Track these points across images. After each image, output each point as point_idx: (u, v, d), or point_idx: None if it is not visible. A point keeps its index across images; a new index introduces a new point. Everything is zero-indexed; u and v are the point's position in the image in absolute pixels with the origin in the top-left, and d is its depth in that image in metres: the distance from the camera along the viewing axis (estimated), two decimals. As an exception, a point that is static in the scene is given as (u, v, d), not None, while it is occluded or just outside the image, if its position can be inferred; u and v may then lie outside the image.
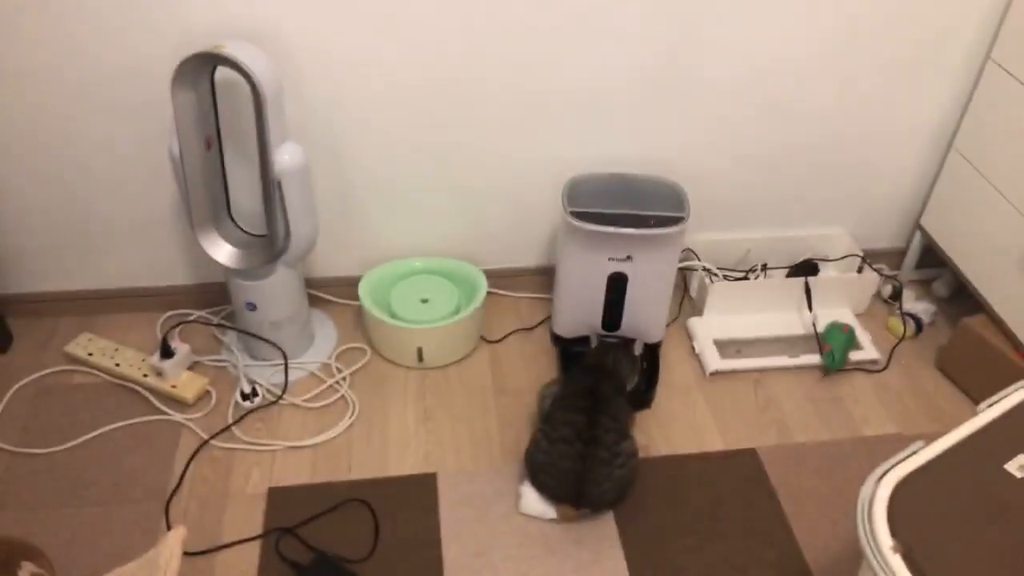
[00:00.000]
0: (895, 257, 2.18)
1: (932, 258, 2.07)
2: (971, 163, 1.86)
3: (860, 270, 2.04)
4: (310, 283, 1.98)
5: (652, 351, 1.89)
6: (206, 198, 1.65)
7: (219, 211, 1.71)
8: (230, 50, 1.44)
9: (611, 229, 1.66)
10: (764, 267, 2.07)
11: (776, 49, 1.75)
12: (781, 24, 1.71)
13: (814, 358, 1.91)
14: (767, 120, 1.86)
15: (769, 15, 1.69)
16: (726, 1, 1.66)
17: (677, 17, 1.67)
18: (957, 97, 1.89)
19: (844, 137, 1.92)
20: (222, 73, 1.59)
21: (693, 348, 1.96)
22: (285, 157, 1.55)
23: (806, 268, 2.06)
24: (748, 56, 1.75)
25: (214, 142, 1.62)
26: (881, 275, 2.06)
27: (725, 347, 1.93)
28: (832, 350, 1.87)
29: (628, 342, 1.70)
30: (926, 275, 2.17)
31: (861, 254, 2.04)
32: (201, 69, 1.51)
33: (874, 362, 1.93)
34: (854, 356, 1.91)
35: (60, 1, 1.52)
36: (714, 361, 1.89)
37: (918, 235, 2.08)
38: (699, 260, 2.03)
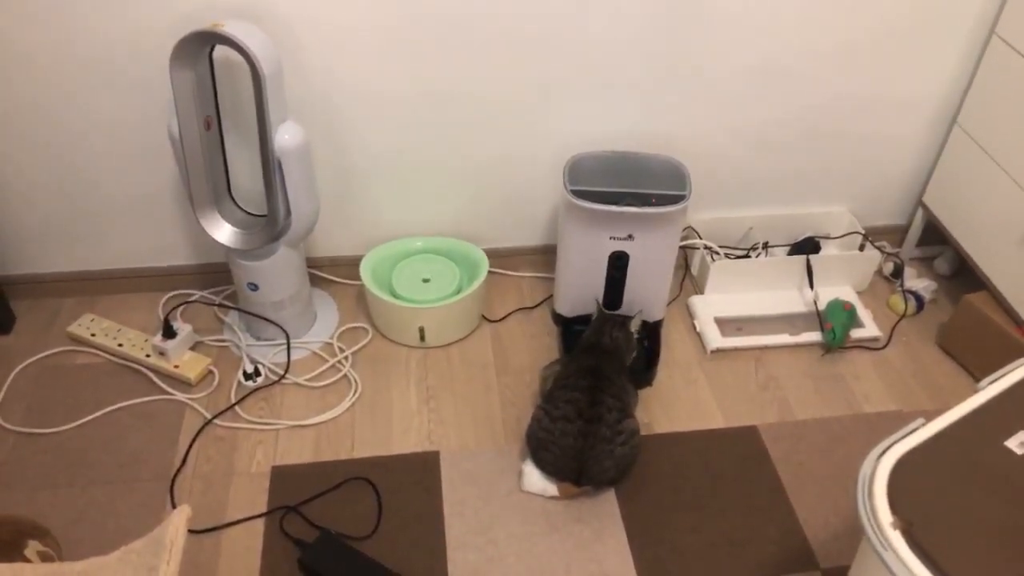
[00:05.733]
0: (897, 234, 2.18)
1: (934, 235, 2.07)
2: (974, 139, 1.86)
3: (862, 248, 2.04)
4: (311, 263, 1.98)
5: (653, 329, 1.89)
6: (206, 178, 1.64)
7: (220, 191, 1.70)
8: (228, 28, 1.43)
9: (612, 208, 1.65)
10: (765, 245, 2.07)
11: (777, 23, 1.74)
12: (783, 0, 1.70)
13: (815, 336, 1.91)
14: (768, 96, 1.85)
15: (772, -9, 1.68)
16: (728, -24, 1.65)
17: (679, -7, 1.66)
18: (961, 72, 1.88)
19: (846, 113, 1.91)
20: (221, 52, 1.58)
21: (694, 326, 1.96)
22: (285, 136, 1.54)
23: (807, 246, 2.05)
24: (750, 33, 1.74)
25: (214, 122, 1.61)
26: (883, 253, 2.06)
27: (726, 325, 1.94)
28: (833, 328, 1.87)
29: (626, 318, 1.70)
30: (928, 252, 2.17)
31: (863, 232, 2.04)
32: (199, 48, 1.50)
33: (875, 339, 1.93)
34: (855, 333, 1.91)
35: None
36: (715, 339, 1.89)
37: (920, 212, 2.07)
38: (700, 238, 2.02)
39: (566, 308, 1.88)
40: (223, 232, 1.69)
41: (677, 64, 1.77)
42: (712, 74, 1.80)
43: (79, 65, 1.62)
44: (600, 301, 1.78)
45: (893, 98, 1.90)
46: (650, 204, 1.66)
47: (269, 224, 1.66)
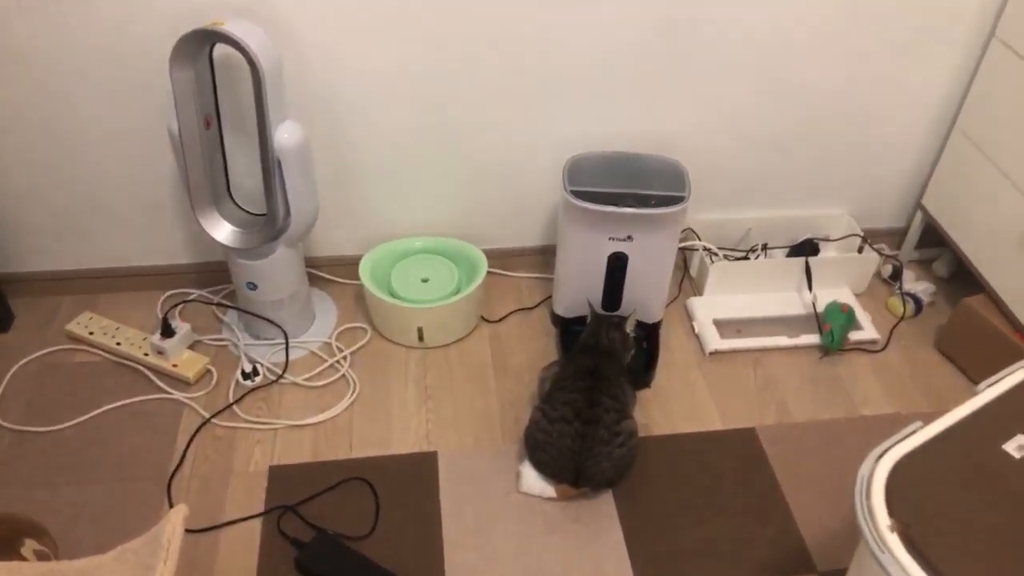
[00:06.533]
0: (896, 237, 2.18)
1: (933, 238, 2.07)
2: (974, 142, 1.86)
3: (860, 250, 2.04)
4: (310, 262, 1.98)
5: (652, 331, 1.89)
6: (206, 177, 1.64)
7: (219, 190, 1.70)
8: (228, 27, 1.43)
9: (611, 209, 1.65)
10: (764, 247, 2.07)
11: (777, 26, 1.74)
12: (782, 1, 1.70)
13: (813, 338, 1.91)
14: (768, 98, 1.85)
15: (772, -7, 1.68)
16: (729, -22, 1.65)
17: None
18: (961, 75, 1.88)
19: (845, 115, 1.91)
20: (221, 50, 1.57)
21: (693, 328, 1.96)
22: (285, 135, 1.54)
23: (807, 248, 2.05)
24: (748, 33, 1.74)
25: (213, 121, 1.61)
26: (881, 255, 2.06)
27: (725, 327, 1.94)
28: (832, 330, 1.87)
29: (621, 319, 1.70)
30: (926, 255, 2.17)
31: (861, 234, 2.04)
32: (199, 47, 1.50)
33: (873, 342, 1.93)
34: (853, 336, 1.91)
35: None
36: (713, 341, 1.89)
37: (919, 215, 2.07)
38: (699, 240, 2.02)
39: (565, 309, 1.88)
40: (222, 231, 1.69)
41: (677, 65, 1.77)
42: (711, 76, 1.80)
43: (81, 62, 1.62)
44: (592, 303, 1.78)
45: (893, 100, 1.90)
46: (650, 205, 1.66)
47: (268, 223, 1.65)
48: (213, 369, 1.80)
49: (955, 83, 1.89)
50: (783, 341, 1.91)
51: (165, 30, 1.58)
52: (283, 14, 1.60)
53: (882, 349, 1.93)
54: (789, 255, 2.07)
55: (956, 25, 1.79)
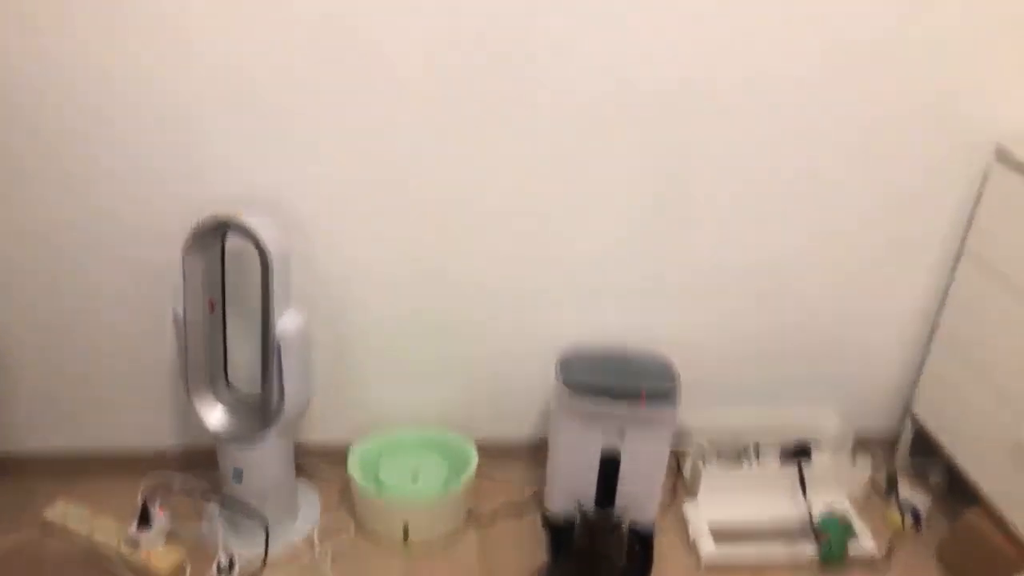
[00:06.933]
0: (889, 443, 2.16)
1: (927, 444, 2.05)
2: (955, 352, 1.90)
3: (853, 456, 2.02)
4: (299, 449, 1.95)
5: (646, 540, 1.83)
6: (205, 361, 1.67)
7: (216, 373, 1.72)
8: (244, 218, 1.52)
9: (605, 407, 1.67)
10: (757, 448, 2.05)
11: (762, 230, 1.84)
12: (768, 210, 1.81)
13: (812, 547, 1.85)
14: (754, 302, 1.93)
15: (755, 201, 1.80)
16: (712, 185, 1.77)
17: (664, 198, 1.77)
18: (937, 285, 1.96)
19: (829, 321, 1.97)
20: (232, 237, 1.65)
21: (688, 535, 1.90)
22: (288, 322, 1.59)
23: (799, 450, 2.03)
24: (735, 241, 1.84)
25: (218, 304, 1.66)
26: (873, 465, 2.03)
27: (721, 534, 1.87)
28: (829, 539, 1.81)
29: (614, 524, 1.65)
30: (922, 462, 2.13)
31: (852, 441, 2.02)
32: (214, 235, 1.58)
33: (873, 555, 1.86)
34: (852, 547, 1.85)
35: (80, 168, 1.62)
36: (710, 552, 1.82)
37: (909, 422, 2.07)
38: (692, 440, 2.00)
39: (557, 504, 1.84)
40: (214, 415, 1.69)
41: (666, 269, 1.86)
42: (700, 281, 1.88)
43: (79, 247, 1.70)
44: (583, 504, 1.73)
45: (874, 310, 1.97)
46: (640, 400, 1.67)
47: (262, 407, 1.66)
48: (188, 563, 1.72)
49: (932, 293, 1.97)
50: (781, 550, 1.84)
51: (178, 216, 1.66)
52: (293, 207, 1.69)
53: (882, 562, 1.86)
54: (781, 456, 2.04)
55: (929, 238, 1.89)
